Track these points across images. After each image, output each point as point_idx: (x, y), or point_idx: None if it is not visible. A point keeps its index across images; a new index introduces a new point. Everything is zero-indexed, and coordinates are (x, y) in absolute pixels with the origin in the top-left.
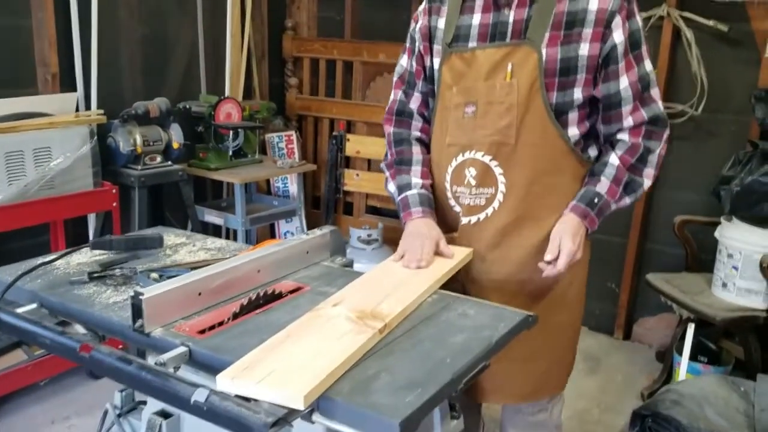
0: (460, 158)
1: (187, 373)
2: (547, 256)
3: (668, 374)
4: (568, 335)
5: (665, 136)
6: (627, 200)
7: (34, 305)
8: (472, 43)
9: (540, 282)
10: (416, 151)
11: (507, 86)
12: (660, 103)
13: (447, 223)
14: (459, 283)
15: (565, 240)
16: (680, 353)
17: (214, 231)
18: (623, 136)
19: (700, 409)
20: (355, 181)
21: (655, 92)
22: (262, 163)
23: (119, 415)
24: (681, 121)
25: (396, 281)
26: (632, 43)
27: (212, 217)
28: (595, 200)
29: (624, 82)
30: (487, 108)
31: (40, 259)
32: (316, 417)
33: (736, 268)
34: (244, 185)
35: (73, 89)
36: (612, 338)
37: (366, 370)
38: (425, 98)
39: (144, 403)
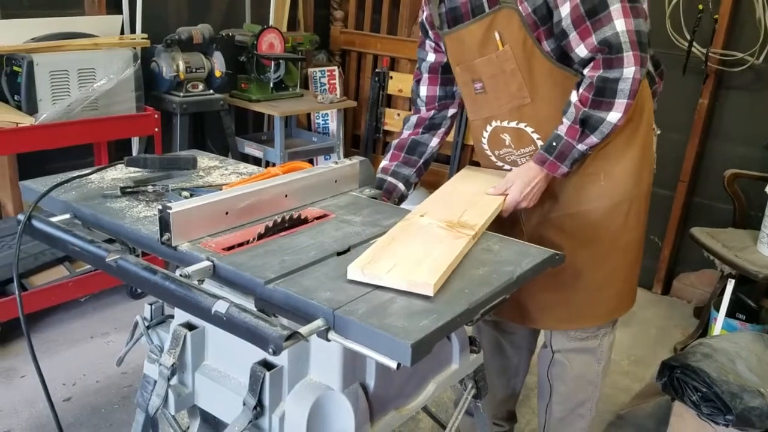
0: (489, 128)
1: (210, 287)
2: (490, 190)
3: (704, 330)
4: (631, 259)
5: (628, 59)
6: (594, 139)
7: (67, 215)
8: (458, 25)
9: (591, 211)
10: (402, 134)
11: (502, 54)
12: (619, 22)
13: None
14: (517, 224)
15: (514, 189)
16: (717, 309)
17: (254, 164)
18: (585, 71)
19: (732, 364)
20: (395, 120)
21: (615, 10)
22: (302, 97)
23: (148, 327)
24: (740, 69)
25: (466, 200)
26: None
27: (252, 149)
28: (554, 143)
29: (565, 9)
30: (493, 81)
31: (76, 173)
32: (332, 335)
33: None
34: (285, 119)
35: (119, 12)
36: (650, 292)
37: (382, 295)
38: (438, 80)
39: (172, 316)
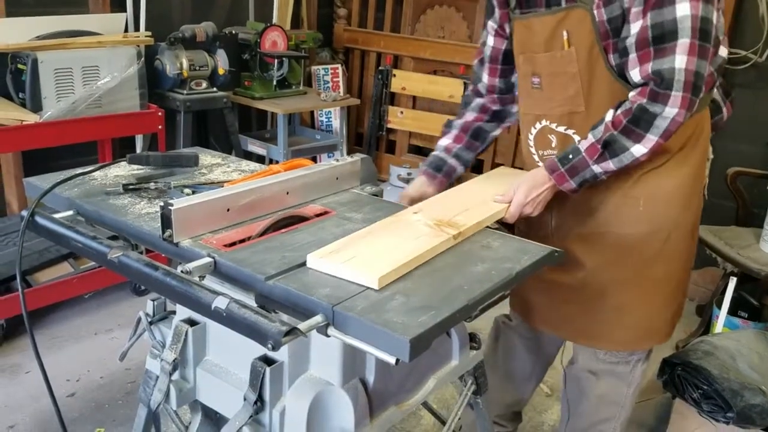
0: (538, 126)
1: (212, 284)
2: (497, 197)
3: (706, 328)
4: (666, 291)
5: (674, 99)
6: (611, 165)
7: (70, 212)
8: (531, 9)
9: (625, 235)
10: (466, 115)
11: (567, 55)
12: (680, 59)
13: None
14: (546, 233)
15: (519, 192)
16: (719, 307)
17: (257, 161)
18: (631, 94)
19: (733, 361)
20: (398, 118)
21: (682, 45)
22: (306, 95)
23: (151, 323)
24: (743, 67)
25: (472, 201)
26: None
27: (255, 147)
28: (570, 156)
29: (635, 27)
30: (551, 80)
31: (79, 170)
32: (331, 331)
33: None
34: (288, 116)
35: (123, 9)
36: None
37: (382, 291)
38: (499, 68)
39: (174, 312)
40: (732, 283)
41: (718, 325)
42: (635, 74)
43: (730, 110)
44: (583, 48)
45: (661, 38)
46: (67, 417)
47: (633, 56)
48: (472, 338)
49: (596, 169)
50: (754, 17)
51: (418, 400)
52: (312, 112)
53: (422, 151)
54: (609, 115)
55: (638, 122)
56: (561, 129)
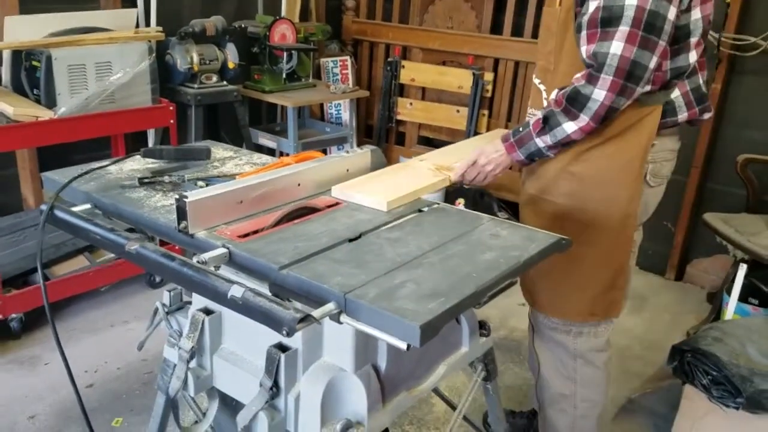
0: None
1: (227, 274)
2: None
3: (717, 315)
4: (581, 273)
5: (603, 82)
6: (548, 139)
7: (88, 205)
8: None
9: (557, 206)
10: None
11: (554, 12)
12: (616, 45)
13: None
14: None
15: (472, 154)
16: (730, 294)
17: (268, 154)
18: (575, 77)
19: (742, 348)
20: (408, 110)
21: (621, 32)
22: (315, 88)
23: (168, 313)
24: (753, 54)
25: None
26: None
27: (266, 140)
28: (521, 128)
29: (593, 6)
30: (543, 35)
31: (96, 164)
32: (343, 318)
33: None
34: (297, 109)
35: (133, 5)
36: (663, 278)
37: (393, 279)
38: None
39: (190, 302)
40: (742, 270)
41: (729, 312)
42: (583, 51)
43: (695, 116)
44: (565, 8)
45: (608, 22)
46: (85, 407)
47: (583, 33)
48: (482, 325)
49: (539, 142)
50: (764, 3)
51: (428, 386)
52: (321, 105)
53: (432, 143)
54: (554, 94)
55: (573, 102)
56: (536, 82)
